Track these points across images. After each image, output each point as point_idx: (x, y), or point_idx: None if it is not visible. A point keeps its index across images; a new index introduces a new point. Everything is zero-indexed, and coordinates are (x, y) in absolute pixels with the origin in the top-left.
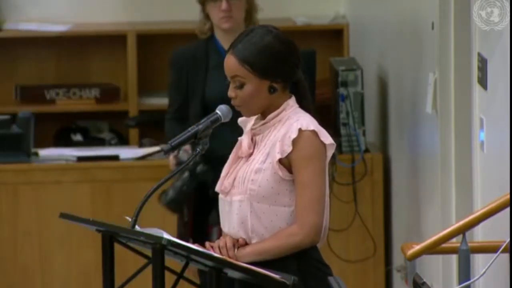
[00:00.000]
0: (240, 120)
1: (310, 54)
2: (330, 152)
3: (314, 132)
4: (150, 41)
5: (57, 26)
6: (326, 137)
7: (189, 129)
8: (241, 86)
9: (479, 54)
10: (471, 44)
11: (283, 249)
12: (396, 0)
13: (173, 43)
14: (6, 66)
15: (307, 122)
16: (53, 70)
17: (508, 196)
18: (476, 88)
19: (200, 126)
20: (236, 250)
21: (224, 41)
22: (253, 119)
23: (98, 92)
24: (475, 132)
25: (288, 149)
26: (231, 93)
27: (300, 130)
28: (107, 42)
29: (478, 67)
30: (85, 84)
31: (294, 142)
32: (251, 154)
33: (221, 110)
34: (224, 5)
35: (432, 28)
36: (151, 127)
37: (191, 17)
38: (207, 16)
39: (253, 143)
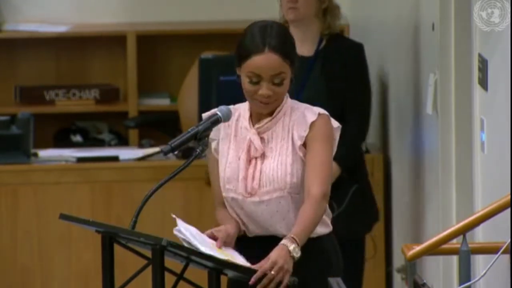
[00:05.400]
0: (212, 134)
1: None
2: (337, 135)
3: (328, 116)
4: (150, 42)
5: (56, 27)
6: (334, 121)
7: (189, 129)
8: (281, 82)
9: (479, 55)
10: (472, 45)
11: (319, 218)
12: (397, 1)
13: (173, 44)
14: (6, 67)
15: (318, 108)
16: (53, 70)
17: (509, 197)
18: (477, 89)
19: (200, 127)
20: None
21: (292, 33)
22: (223, 125)
23: (97, 93)
24: (475, 133)
25: (305, 133)
26: (267, 91)
27: (319, 114)
28: (107, 42)
29: (479, 68)
30: (85, 85)
31: (313, 124)
32: (262, 153)
33: (221, 111)
34: None
35: (433, 29)
36: (151, 128)
37: (191, 17)
38: None
39: (263, 141)
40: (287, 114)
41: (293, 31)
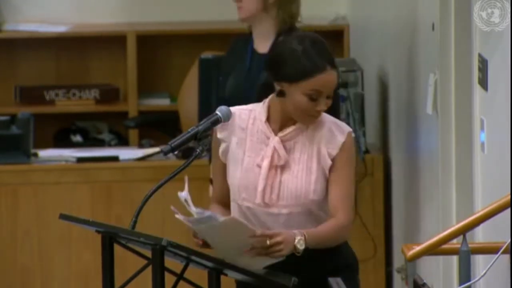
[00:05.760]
0: (222, 135)
1: None
2: None
3: (351, 132)
4: (150, 42)
5: (56, 27)
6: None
7: (189, 130)
8: (332, 95)
9: (479, 55)
10: (472, 45)
11: (336, 240)
12: (397, 1)
13: (173, 44)
14: (6, 67)
15: (344, 124)
16: (53, 71)
17: (509, 197)
18: (477, 89)
19: (200, 127)
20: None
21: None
22: (237, 128)
23: (97, 93)
24: (475, 133)
25: (335, 152)
26: (324, 106)
27: (348, 133)
28: (107, 42)
29: (479, 68)
30: (85, 85)
31: (343, 145)
32: (285, 163)
33: (221, 111)
34: None
35: (433, 29)
36: (151, 128)
37: (191, 17)
38: None
39: (285, 150)
40: (311, 125)
41: (252, 28)
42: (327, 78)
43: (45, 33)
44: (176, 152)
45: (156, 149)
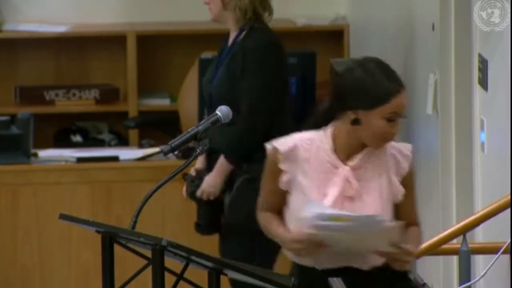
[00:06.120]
0: (286, 167)
1: (310, 56)
2: None
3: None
4: (150, 42)
5: (56, 27)
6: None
7: (189, 129)
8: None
9: (479, 55)
10: (472, 45)
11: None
12: (397, 1)
13: (173, 44)
14: (6, 67)
15: (404, 145)
16: (53, 71)
17: (509, 197)
18: (477, 89)
19: (200, 127)
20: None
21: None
22: (302, 159)
23: (97, 93)
24: (475, 133)
25: (402, 178)
26: (399, 127)
27: (411, 152)
28: (107, 43)
29: (479, 68)
30: (85, 85)
31: (409, 168)
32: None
33: (221, 111)
34: None
35: (433, 29)
36: (151, 128)
37: (191, 17)
38: None
39: (357, 178)
40: (375, 151)
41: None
42: (402, 100)
43: (45, 33)
44: (176, 152)
45: (156, 149)
